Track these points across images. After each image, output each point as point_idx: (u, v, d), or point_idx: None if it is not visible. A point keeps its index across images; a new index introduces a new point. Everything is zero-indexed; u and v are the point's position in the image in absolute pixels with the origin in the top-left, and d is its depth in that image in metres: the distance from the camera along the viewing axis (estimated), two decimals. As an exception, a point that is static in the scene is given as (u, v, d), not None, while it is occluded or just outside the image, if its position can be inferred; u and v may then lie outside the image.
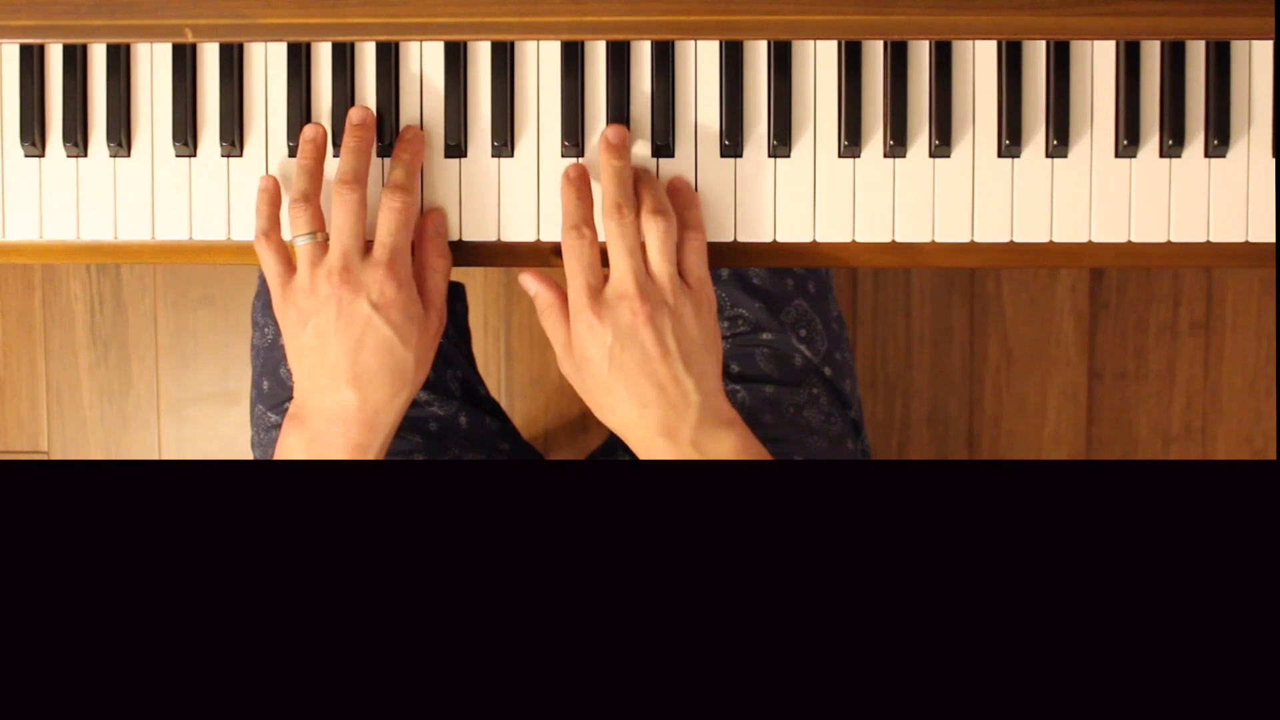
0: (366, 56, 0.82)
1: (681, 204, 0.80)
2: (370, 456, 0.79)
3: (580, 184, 0.80)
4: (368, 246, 0.78)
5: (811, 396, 0.97)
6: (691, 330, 0.77)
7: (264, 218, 0.80)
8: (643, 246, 0.77)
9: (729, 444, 0.77)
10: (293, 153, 0.82)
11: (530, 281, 0.80)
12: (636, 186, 0.79)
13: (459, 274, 1.12)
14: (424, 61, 0.82)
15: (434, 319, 0.79)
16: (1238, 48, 0.81)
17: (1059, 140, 0.81)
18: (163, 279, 1.61)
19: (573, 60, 0.81)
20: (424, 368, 0.79)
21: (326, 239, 0.78)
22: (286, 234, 0.81)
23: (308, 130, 0.81)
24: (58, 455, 1.62)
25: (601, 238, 0.78)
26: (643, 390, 0.76)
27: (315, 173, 0.80)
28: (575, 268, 0.77)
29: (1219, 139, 0.81)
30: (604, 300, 0.76)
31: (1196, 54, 0.82)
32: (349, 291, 0.76)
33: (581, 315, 0.76)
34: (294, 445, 0.79)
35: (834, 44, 0.81)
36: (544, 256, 0.82)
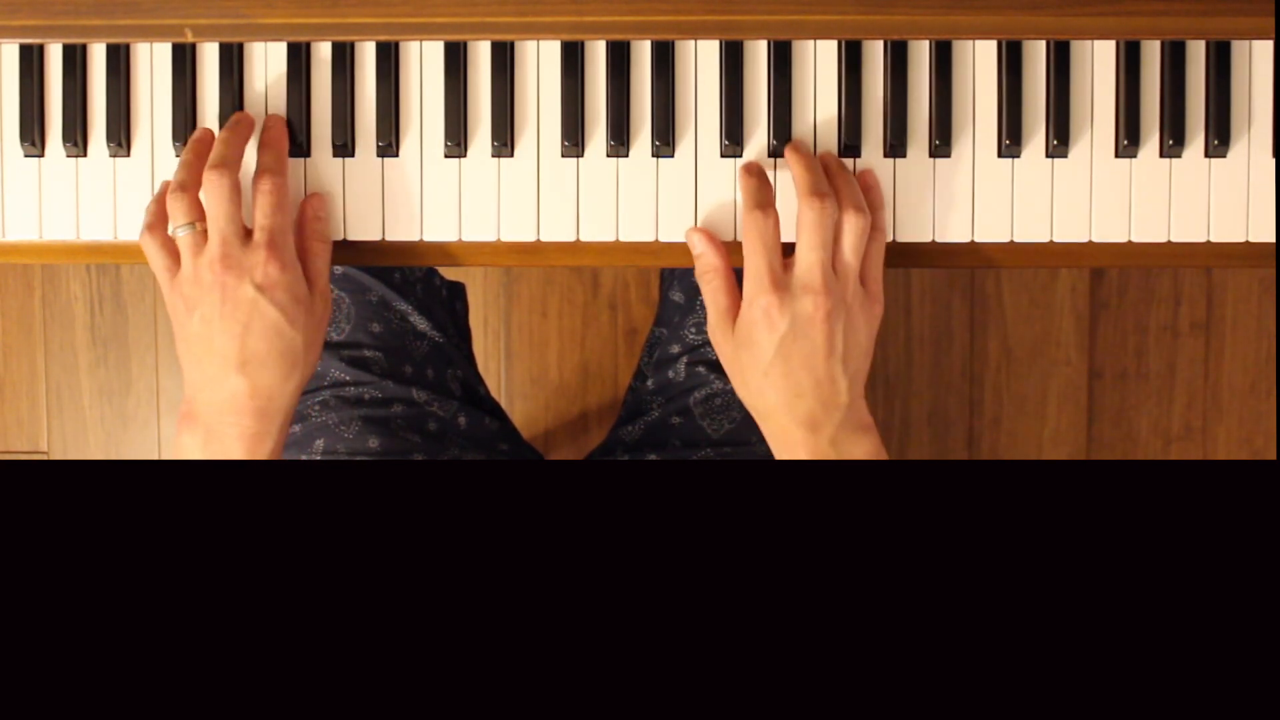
0: (366, 56, 0.82)
1: (872, 204, 0.80)
2: (267, 445, 0.77)
3: (760, 174, 0.80)
4: (249, 233, 0.76)
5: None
6: (859, 333, 0.77)
7: (150, 214, 0.78)
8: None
9: (864, 448, 0.77)
10: (294, 153, 0.82)
11: (698, 239, 0.80)
12: (831, 179, 0.79)
13: (458, 274, 1.12)
14: (424, 61, 0.82)
15: (319, 302, 0.78)
16: (1238, 48, 0.81)
17: (1059, 140, 0.81)
18: (163, 279, 1.60)
19: (573, 60, 0.81)
20: (314, 350, 0.78)
21: (206, 230, 0.76)
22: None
23: (196, 133, 0.80)
24: (57, 455, 1.62)
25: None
26: (799, 382, 0.76)
27: (195, 167, 0.78)
28: (757, 245, 0.76)
29: (1219, 139, 0.81)
30: (787, 287, 0.76)
31: (1196, 54, 0.82)
32: (232, 277, 0.74)
33: (760, 299, 0.76)
34: (189, 445, 0.77)
35: (834, 44, 0.81)
36: (545, 256, 0.82)
